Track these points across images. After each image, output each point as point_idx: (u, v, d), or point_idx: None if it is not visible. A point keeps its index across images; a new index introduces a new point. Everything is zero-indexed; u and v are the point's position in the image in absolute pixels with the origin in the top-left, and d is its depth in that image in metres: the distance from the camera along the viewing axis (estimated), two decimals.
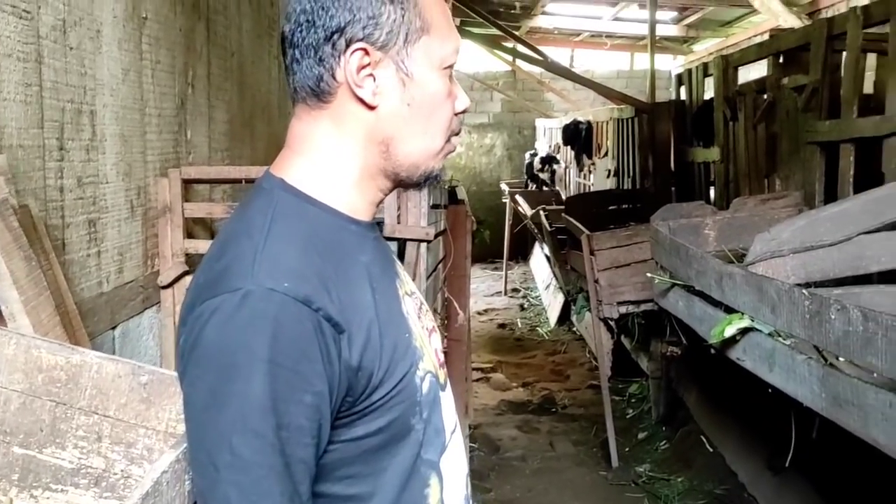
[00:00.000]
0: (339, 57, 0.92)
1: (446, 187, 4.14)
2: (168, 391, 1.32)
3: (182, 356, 0.87)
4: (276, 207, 0.92)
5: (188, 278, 2.51)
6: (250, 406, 0.81)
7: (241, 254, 0.87)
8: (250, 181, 2.62)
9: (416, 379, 0.95)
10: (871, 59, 4.10)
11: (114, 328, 2.22)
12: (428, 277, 2.94)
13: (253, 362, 0.81)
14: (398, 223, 2.73)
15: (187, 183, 2.58)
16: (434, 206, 3.22)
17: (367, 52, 0.92)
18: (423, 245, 2.75)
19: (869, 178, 3.48)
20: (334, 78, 0.93)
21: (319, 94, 0.95)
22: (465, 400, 4.33)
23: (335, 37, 0.92)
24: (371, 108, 0.95)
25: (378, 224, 1.06)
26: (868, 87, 4.05)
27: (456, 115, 1.01)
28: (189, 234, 2.61)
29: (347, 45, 0.92)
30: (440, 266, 3.74)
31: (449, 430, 1.04)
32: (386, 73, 0.94)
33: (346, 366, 0.86)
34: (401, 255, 2.75)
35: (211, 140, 2.96)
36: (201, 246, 2.56)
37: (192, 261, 2.57)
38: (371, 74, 0.93)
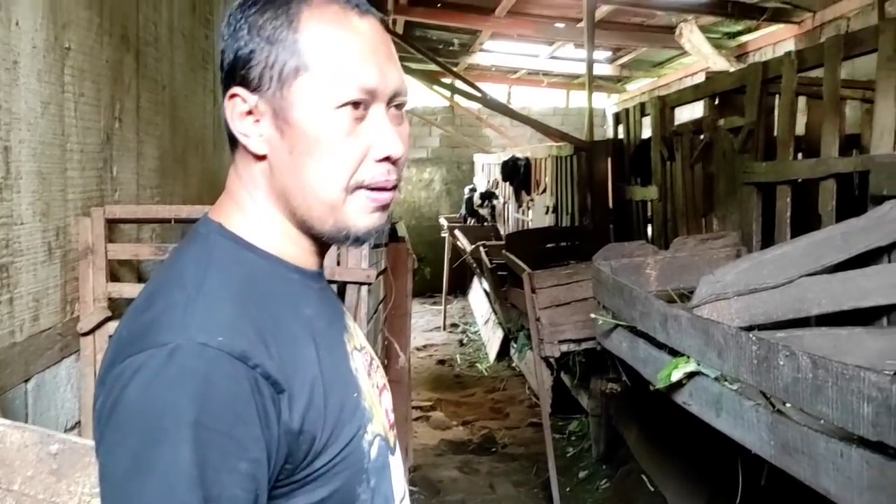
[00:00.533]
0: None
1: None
2: (81, 462, 1.19)
3: (99, 420, 0.76)
4: (213, 254, 0.84)
5: (111, 324, 2.35)
6: (177, 475, 0.71)
7: (171, 304, 0.78)
8: (181, 221, 2.49)
9: (363, 443, 0.87)
10: (802, 101, 4.21)
11: (27, 381, 2.05)
12: (369, 321, 2.83)
13: (180, 426, 0.71)
14: (338, 265, 2.62)
15: (112, 223, 2.43)
16: (375, 246, 3.13)
17: (243, 99, 0.85)
18: (365, 287, 2.64)
19: (805, 218, 3.54)
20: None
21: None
22: (406, 442, 4.21)
23: (227, 81, 0.86)
24: (260, 157, 0.87)
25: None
26: (799, 129, 4.15)
27: (378, 161, 0.87)
28: (113, 277, 2.45)
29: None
30: (381, 307, 3.63)
31: (398, 498, 0.96)
32: (265, 119, 0.86)
33: (286, 429, 0.77)
34: (340, 299, 2.64)
35: (139, 177, 2.81)
36: (126, 289, 2.41)
37: (115, 305, 2.41)
38: (258, 120, 0.86)
